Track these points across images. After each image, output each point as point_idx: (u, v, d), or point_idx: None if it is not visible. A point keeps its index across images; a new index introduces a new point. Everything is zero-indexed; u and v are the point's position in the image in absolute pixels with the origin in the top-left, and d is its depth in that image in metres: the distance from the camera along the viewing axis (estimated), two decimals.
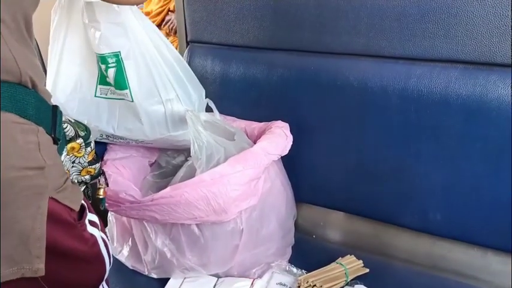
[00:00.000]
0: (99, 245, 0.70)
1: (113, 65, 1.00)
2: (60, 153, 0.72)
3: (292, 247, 1.17)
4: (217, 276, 1.06)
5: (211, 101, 1.13)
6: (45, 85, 0.70)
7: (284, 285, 1.03)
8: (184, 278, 1.06)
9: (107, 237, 0.74)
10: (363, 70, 1.08)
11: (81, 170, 0.81)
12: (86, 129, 0.79)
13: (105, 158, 1.09)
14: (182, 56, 1.34)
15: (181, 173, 1.07)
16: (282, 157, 1.09)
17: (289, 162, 1.16)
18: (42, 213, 0.58)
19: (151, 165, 1.24)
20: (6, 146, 0.55)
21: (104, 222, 1.14)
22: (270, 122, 1.16)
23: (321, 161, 1.20)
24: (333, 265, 1.06)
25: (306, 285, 0.99)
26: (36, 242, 0.57)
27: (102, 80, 1.05)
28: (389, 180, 1.11)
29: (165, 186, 0.98)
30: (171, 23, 2.45)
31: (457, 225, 1.07)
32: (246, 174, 0.97)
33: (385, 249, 1.18)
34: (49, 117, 0.65)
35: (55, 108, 0.67)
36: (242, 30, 1.22)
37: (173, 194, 0.94)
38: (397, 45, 1.04)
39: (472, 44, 0.97)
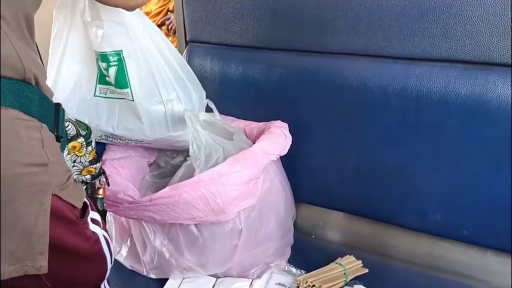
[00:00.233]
0: (101, 243, 0.70)
1: (115, 63, 1.00)
2: (62, 152, 0.72)
3: (291, 247, 1.16)
4: (216, 276, 1.05)
5: (211, 102, 1.13)
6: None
7: (283, 285, 1.03)
8: (183, 278, 1.05)
9: (109, 235, 0.75)
10: (362, 70, 1.08)
11: (82, 170, 0.81)
12: (87, 128, 0.79)
13: (103, 158, 1.09)
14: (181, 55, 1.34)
15: (180, 173, 1.07)
16: (281, 157, 1.09)
17: (288, 162, 1.16)
18: (46, 210, 0.58)
19: (150, 165, 1.23)
20: (10, 142, 0.56)
21: (103, 218, 1.15)
22: (269, 122, 1.16)
23: (320, 161, 1.20)
24: (332, 265, 1.06)
25: (305, 285, 0.99)
26: (40, 239, 0.57)
27: (102, 79, 1.04)
28: (389, 180, 1.11)
29: (164, 187, 0.97)
30: (171, 23, 2.45)
31: (456, 226, 1.07)
32: (244, 174, 0.96)
33: (385, 249, 1.17)
34: (52, 114, 0.65)
35: (57, 105, 0.67)
36: (241, 30, 1.22)
37: (172, 194, 0.93)
38: (396, 45, 1.03)
39: (471, 43, 0.96)
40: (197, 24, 1.29)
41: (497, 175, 0.99)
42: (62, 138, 0.69)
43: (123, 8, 0.76)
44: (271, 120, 1.16)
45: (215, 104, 1.14)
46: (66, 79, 1.03)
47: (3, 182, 0.54)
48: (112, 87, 1.04)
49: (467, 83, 0.98)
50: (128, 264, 1.11)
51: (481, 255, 1.08)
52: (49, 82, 1.00)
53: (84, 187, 0.85)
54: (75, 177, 0.81)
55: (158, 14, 2.48)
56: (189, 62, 1.32)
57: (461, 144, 1.00)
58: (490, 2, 0.92)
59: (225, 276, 1.05)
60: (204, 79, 1.28)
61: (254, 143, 1.06)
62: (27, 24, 0.63)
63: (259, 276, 1.05)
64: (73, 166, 0.79)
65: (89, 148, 0.79)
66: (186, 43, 1.35)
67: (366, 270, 1.07)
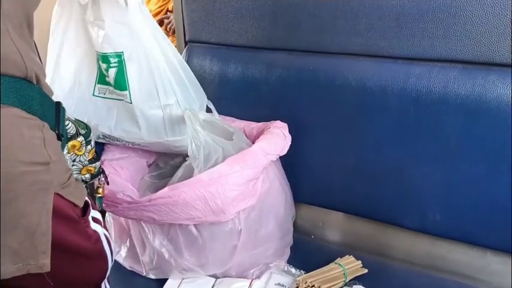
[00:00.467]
0: (102, 242, 0.70)
1: (115, 65, 1.00)
2: (61, 151, 0.72)
3: (290, 248, 1.16)
4: (216, 276, 1.05)
5: (210, 102, 1.13)
6: None
7: (283, 285, 1.03)
8: (182, 278, 1.05)
9: (109, 233, 0.75)
10: (361, 70, 1.08)
11: (82, 169, 0.81)
12: (86, 127, 0.79)
13: (102, 158, 1.09)
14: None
15: (179, 173, 1.07)
16: (280, 157, 1.09)
17: (288, 163, 1.16)
18: (48, 209, 0.58)
19: (149, 166, 1.23)
20: (12, 141, 0.56)
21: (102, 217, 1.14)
22: (268, 122, 1.16)
23: (319, 161, 1.20)
24: (331, 265, 1.06)
25: (304, 285, 0.99)
26: (42, 238, 0.57)
27: (101, 79, 1.04)
28: (388, 181, 1.11)
29: (163, 187, 0.97)
30: (170, 22, 2.44)
31: (456, 226, 1.07)
32: (244, 174, 0.96)
33: (384, 249, 1.17)
34: (53, 113, 0.65)
35: (58, 104, 0.67)
36: (240, 30, 1.22)
37: (171, 194, 0.93)
38: (396, 45, 1.03)
39: (471, 43, 0.96)
40: (196, 24, 1.29)
41: (497, 175, 0.98)
42: (63, 137, 0.69)
43: None
44: (271, 120, 1.16)
45: (214, 104, 1.14)
46: (65, 77, 1.03)
47: (6, 180, 0.54)
48: (111, 88, 1.04)
49: (467, 83, 0.97)
50: (127, 264, 1.11)
51: (480, 255, 1.08)
52: (47, 80, 1.00)
53: (84, 186, 0.85)
54: (74, 176, 0.81)
55: (157, 14, 2.48)
56: (188, 62, 1.31)
57: (461, 144, 1.00)
58: (489, 2, 0.92)
59: (225, 277, 1.05)
60: (203, 79, 1.28)
61: (254, 143, 1.05)
62: (27, 22, 0.64)
63: (258, 277, 1.05)
64: (72, 165, 0.79)
65: (88, 147, 0.79)
66: (185, 43, 1.35)
67: (366, 271, 1.07)
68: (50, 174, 0.59)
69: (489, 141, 0.98)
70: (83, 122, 0.79)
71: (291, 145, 1.09)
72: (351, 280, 1.04)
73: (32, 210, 0.57)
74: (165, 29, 2.48)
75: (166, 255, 1.02)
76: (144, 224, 1.02)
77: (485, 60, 0.96)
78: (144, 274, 1.08)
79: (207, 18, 1.26)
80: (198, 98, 1.11)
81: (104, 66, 1.00)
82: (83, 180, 0.83)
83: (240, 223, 1.00)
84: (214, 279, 1.05)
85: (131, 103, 1.02)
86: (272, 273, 1.06)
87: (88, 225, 0.68)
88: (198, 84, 1.13)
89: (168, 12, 2.46)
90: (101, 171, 0.86)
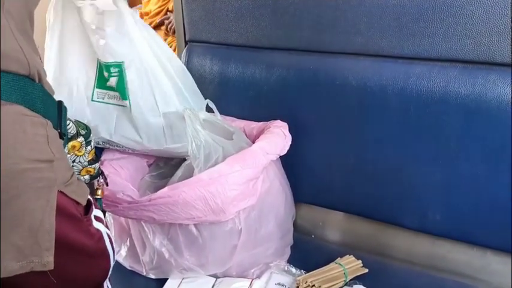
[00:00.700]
0: (104, 241, 0.70)
1: (115, 74, 1.00)
2: None
3: (291, 247, 1.16)
4: (216, 276, 1.05)
5: (211, 102, 1.13)
6: None
7: (283, 285, 1.03)
8: (183, 278, 1.05)
9: (111, 232, 0.75)
10: (361, 69, 1.08)
11: (81, 170, 0.81)
12: (86, 128, 0.79)
13: (102, 158, 1.09)
14: (180, 55, 1.34)
15: (179, 172, 1.07)
16: (280, 157, 1.09)
17: (288, 162, 1.16)
18: (52, 206, 0.58)
19: (149, 165, 1.23)
20: (16, 138, 0.56)
21: None
22: (268, 122, 1.16)
23: (320, 161, 1.20)
24: (331, 265, 1.06)
25: (304, 285, 0.99)
26: (46, 235, 0.57)
27: (100, 83, 1.04)
28: (389, 180, 1.11)
29: (163, 187, 0.97)
30: (170, 23, 2.44)
31: (456, 225, 1.07)
32: (244, 173, 0.96)
33: (384, 249, 1.17)
34: (55, 111, 0.66)
35: (60, 103, 0.67)
36: (241, 29, 1.22)
37: (171, 194, 0.93)
38: (396, 44, 1.03)
39: (471, 43, 0.96)
40: (196, 23, 1.29)
41: (497, 175, 0.98)
42: (65, 136, 0.69)
43: None
44: (271, 120, 1.16)
45: (215, 104, 1.14)
46: (63, 82, 1.03)
47: (9, 178, 0.54)
48: (110, 92, 1.04)
49: (467, 82, 0.97)
50: (127, 264, 1.11)
51: (481, 255, 1.08)
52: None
53: None
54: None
55: (157, 14, 2.48)
56: (188, 61, 1.31)
57: (461, 143, 1.00)
58: (490, 1, 0.92)
59: (225, 276, 1.05)
60: (203, 79, 1.28)
61: (254, 143, 1.05)
62: (30, 20, 0.64)
63: (258, 276, 1.05)
64: (72, 166, 0.79)
65: (88, 148, 0.80)
66: (186, 43, 1.35)
67: (366, 270, 1.07)
68: (54, 172, 0.59)
69: (489, 140, 0.98)
70: (83, 123, 0.79)
71: (291, 145, 1.09)
72: (351, 280, 1.04)
73: (36, 208, 0.57)
74: (166, 29, 2.48)
75: (167, 255, 1.02)
76: (144, 224, 1.02)
77: (485, 60, 0.96)
78: (144, 274, 1.08)
79: (207, 18, 1.26)
80: (197, 104, 1.11)
81: (105, 74, 1.01)
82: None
83: (240, 223, 1.00)
84: (215, 278, 1.05)
85: (131, 112, 1.02)
86: (272, 272, 1.06)
87: (91, 224, 0.68)
88: (197, 90, 1.13)
89: (168, 12, 2.46)
90: (100, 173, 0.86)
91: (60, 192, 0.60)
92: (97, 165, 0.84)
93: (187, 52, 1.33)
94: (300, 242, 1.19)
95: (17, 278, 0.57)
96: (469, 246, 1.09)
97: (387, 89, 1.05)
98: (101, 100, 1.05)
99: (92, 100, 1.05)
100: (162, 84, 1.04)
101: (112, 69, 1.00)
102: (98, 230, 0.69)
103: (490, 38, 0.94)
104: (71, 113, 1.01)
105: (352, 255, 1.09)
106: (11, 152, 0.54)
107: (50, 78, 1.01)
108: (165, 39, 2.44)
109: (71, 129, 0.75)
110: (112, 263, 0.73)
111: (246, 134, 1.17)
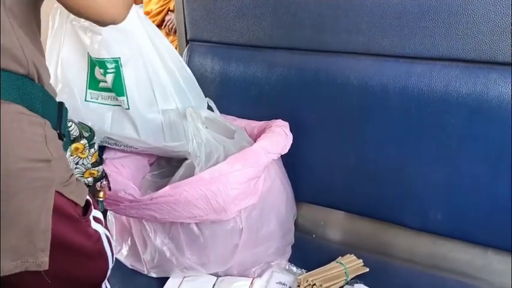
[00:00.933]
0: (102, 242, 0.70)
1: (112, 70, 1.00)
2: (64, 153, 0.72)
3: (292, 246, 1.16)
4: (217, 275, 1.05)
5: (211, 101, 1.13)
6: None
7: (284, 284, 1.03)
8: (184, 277, 1.05)
9: (110, 233, 0.74)
10: (363, 69, 1.08)
11: (85, 172, 0.80)
12: (90, 130, 0.79)
13: (104, 157, 1.09)
14: (181, 55, 1.34)
15: (180, 171, 1.07)
16: (281, 156, 1.09)
17: (289, 161, 1.16)
18: (48, 207, 0.58)
19: (151, 164, 1.23)
20: (13, 137, 0.56)
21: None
22: (270, 121, 1.16)
23: (321, 160, 1.20)
24: (332, 264, 1.06)
25: (305, 284, 0.99)
26: (41, 235, 0.57)
27: (92, 84, 1.04)
28: (390, 179, 1.11)
29: (164, 186, 0.97)
30: (171, 22, 2.45)
31: (457, 225, 1.07)
32: (245, 173, 0.96)
33: (385, 248, 1.17)
34: (55, 112, 0.65)
35: (61, 104, 0.67)
36: (242, 28, 1.22)
37: (172, 193, 0.93)
38: (398, 43, 1.03)
39: (472, 42, 0.96)
40: (198, 23, 1.29)
41: (498, 174, 0.98)
42: (65, 137, 0.69)
43: (95, 22, 0.71)
44: (272, 119, 1.16)
45: (216, 103, 1.14)
46: (57, 82, 1.02)
47: (6, 177, 0.54)
48: (104, 93, 1.03)
49: (469, 81, 0.97)
50: (128, 263, 1.11)
51: (482, 254, 1.08)
52: None
53: (87, 189, 0.84)
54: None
55: (159, 13, 2.48)
56: (189, 60, 1.32)
57: (463, 143, 1.00)
58: (491, 1, 0.92)
59: (226, 275, 1.05)
60: (204, 78, 1.28)
61: (255, 142, 1.05)
62: (36, 19, 0.64)
63: (260, 275, 1.05)
64: (75, 168, 0.79)
65: (92, 150, 0.79)
66: (187, 42, 1.35)
67: (367, 269, 1.07)
68: (52, 172, 0.59)
69: (490, 140, 0.98)
70: (87, 125, 0.79)
71: (292, 144, 1.09)
72: (352, 279, 1.04)
73: (32, 207, 0.56)
74: (167, 29, 2.48)
75: (168, 254, 1.02)
76: (145, 223, 1.02)
77: (486, 59, 0.96)
78: (146, 272, 1.08)
79: (208, 17, 1.26)
80: (197, 102, 1.11)
81: (101, 71, 1.00)
82: (85, 184, 0.82)
83: (241, 222, 1.01)
84: (216, 277, 1.05)
85: (129, 108, 1.02)
86: (273, 271, 1.06)
87: (89, 225, 0.67)
88: (198, 87, 1.12)
89: (169, 12, 2.46)
90: (104, 175, 0.85)
91: (58, 192, 0.60)
92: (101, 167, 0.83)
93: (188, 51, 1.34)
94: (301, 241, 1.19)
95: (12, 277, 0.57)
96: (470, 246, 1.09)
97: (388, 88, 1.05)
98: (95, 100, 1.05)
99: (85, 101, 1.05)
100: (162, 80, 1.04)
101: (108, 65, 0.99)
102: (96, 231, 0.68)
103: (491, 37, 0.94)
104: None
105: (353, 255, 1.09)
106: (7, 151, 0.54)
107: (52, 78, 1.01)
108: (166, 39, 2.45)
109: (74, 131, 0.75)
110: (110, 265, 0.72)
111: (247, 133, 1.17)
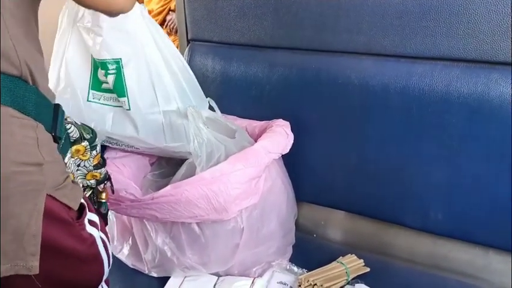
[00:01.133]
0: (97, 245, 0.68)
1: (113, 71, 1.00)
2: (64, 155, 0.71)
3: (293, 246, 1.16)
4: (218, 275, 1.05)
5: (212, 101, 1.13)
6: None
7: (285, 284, 1.03)
8: (185, 276, 1.05)
9: (107, 237, 0.73)
10: (364, 68, 1.08)
11: (86, 174, 0.80)
12: (92, 132, 0.78)
13: (105, 156, 1.09)
14: (183, 54, 1.34)
15: (181, 171, 1.07)
16: (282, 156, 1.09)
17: (290, 161, 1.16)
18: (39, 210, 0.57)
19: (151, 164, 1.23)
20: (3, 140, 0.55)
21: (105, 221, 1.14)
22: (271, 121, 1.16)
23: (322, 160, 1.20)
24: (333, 264, 1.06)
25: (306, 284, 0.99)
26: (31, 239, 0.56)
27: (95, 85, 1.04)
28: (391, 179, 1.11)
29: (165, 186, 0.97)
30: (172, 22, 2.45)
31: (458, 225, 1.07)
32: (246, 172, 0.96)
33: (386, 248, 1.17)
34: (50, 114, 0.64)
35: (57, 106, 0.66)
36: (243, 28, 1.22)
37: (173, 193, 0.93)
38: (399, 43, 1.03)
39: (473, 42, 0.96)
40: (199, 22, 1.29)
41: (499, 174, 0.98)
42: (61, 140, 0.67)
43: (104, 13, 0.69)
44: (273, 118, 1.16)
45: (217, 103, 1.14)
46: (63, 82, 1.03)
47: None
48: (106, 94, 1.03)
49: (470, 81, 0.97)
50: (129, 262, 1.11)
51: (482, 254, 1.08)
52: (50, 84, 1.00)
53: (90, 192, 0.84)
54: (79, 181, 0.80)
55: (160, 13, 2.48)
56: (190, 60, 1.32)
57: (463, 142, 1.00)
58: (492, 0, 0.92)
59: (227, 275, 1.05)
60: (205, 78, 1.28)
61: (256, 142, 1.05)
62: (34, 17, 0.63)
63: (260, 275, 1.05)
64: (77, 170, 0.78)
65: (94, 152, 0.78)
66: (188, 42, 1.35)
67: (368, 269, 1.07)
68: (43, 175, 0.58)
69: (491, 139, 0.98)
70: (89, 127, 0.78)
71: (293, 144, 1.09)
72: (353, 279, 1.04)
73: (22, 211, 0.56)
74: (168, 28, 2.48)
75: (169, 253, 1.02)
76: (146, 222, 1.02)
77: (487, 59, 0.96)
78: (147, 272, 1.08)
79: (209, 17, 1.26)
80: (198, 103, 1.10)
81: (102, 72, 1.00)
82: (88, 186, 0.82)
83: (242, 221, 1.01)
84: (217, 277, 1.05)
85: (130, 109, 1.02)
86: (274, 271, 1.06)
87: (83, 228, 0.66)
88: (199, 88, 1.12)
89: (170, 12, 2.46)
90: (108, 178, 0.85)
91: (50, 196, 0.59)
92: (103, 170, 0.82)
93: (189, 51, 1.34)
94: (302, 241, 1.19)
95: (3, 280, 0.56)
96: (470, 246, 1.09)
97: (389, 88, 1.05)
98: (97, 101, 1.05)
99: (88, 101, 1.05)
100: (164, 81, 1.04)
101: (109, 66, 0.99)
102: (91, 235, 0.67)
103: (492, 37, 0.94)
104: (67, 113, 1.02)
105: (354, 254, 1.09)
106: None
107: (54, 78, 1.01)
108: None
109: (73, 133, 0.74)
110: (106, 268, 0.71)
111: (248, 133, 1.17)
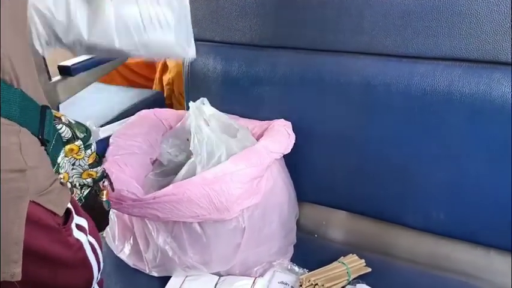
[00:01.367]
0: (85, 250, 0.67)
1: None
2: (57, 155, 0.71)
3: (294, 246, 1.16)
4: (219, 274, 1.05)
5: (206, 100, 1.11)
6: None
7: (286, 284, 1.03)
8: (186, 276, 1.05)
9: (98, 239, 0.72)
10: (366, 68, 1.08)
11: (82, 173, 0.79)
12: (87, 130, 0.77)
13: (106, 155, 1.08)
14: None
15: (183, 171, 1.07)
16: (284, 156, 1.09)
17: (291, 161, 1.16)
18: (21, 217, 0.56)
19: (152, 163, 1.23)
20: None
21: (106, 220, 1.14)
22: (272, 121, 1.16)
23: (323, 160, 1.20)
24: (335, 264, 1.06)
25: (307, 284, 0.99)
26: (14, 246, 0.55)
27: None
28: (392, 179, 1.11)
29: (167, 185, 0.97)
30: None
31: (460, 225, 1.07)
32: (248, 172, 0.96)
33: (388, 248, 1.17)
34: (36, 117, 0.62)
35: (44, 108, 0.64)
36: (244, 28, 1.22)
37: (175, 192, 0.93)
38: (401, 43, 1.03)
39: (475, 42, 0.96)
40: (201, 22, 1.29)
41: (501, 174, 0.98)
42: (49, 142, 0.66)
43: None
44: (275, 118, 1.16)
45: (218, 103, 1.14)
46: None
47: None
48: None
49: (472, 81, 0.97)
50: (130, 262, 1.11)
51: (484, 254, 1.08)
52: None
53: (88, 189, 0.83)
54: (75, 180, 0.79)
55: None
56: (192, 60, 1.32)
57: (466, 143, 1.00)
58: (494, 0, 0.92)
59: (228, 275, 1.05)
60: (207, 77, 1.28)
61: (258, 142, 1.05)
62: (25, 19, 0.62)
63: (262, 275, 1.05)
64: (72, 169, 0.77)
65: (88, 151, 0.78)
66: None
67: (369, 269, 1.07)
68: (26, 182, 0.57)
69: (493, 139, 0.98)
70: (84, 125, 0.77)
71: (294, 143, 1.09)
72: (354, 279, 1.04)
73: (4, 219, 0.54)
74: None
75: (170, 253, 1.02)
76: (148, 222, 1.02)
77: (490, 59, 0.96)
78: (148, 272, 1.08)
79: (211, 17, 1.26)
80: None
81: None
82: (85, 184, 0.81)
83: (243, 221, 1.00)
84: (218, 277, 1.05)
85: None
86: (275, 271, 1.06)
87: (70, 234, 0.65)
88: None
89: None
90: (105, 176, 0.84)
91: (34, 202, 0.58)
92: (99, 168, 0.82)
93: None
94: (303, 241, 1.19)
95: None
96: (472, 246, 1.09)
97: (391, 88, 1.05)
98: None
99: None
100: None
101: None
102: (78, 240, 0.66)
103: (495, 37, 0.94)
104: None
105: (355, 254, 1.09)
106: None
107: None
108: None
109: (65, 133, 0.73)
110: (96, 273, 0.70)
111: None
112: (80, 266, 0.67)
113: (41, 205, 0.59)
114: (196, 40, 1.33)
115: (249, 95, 1.24)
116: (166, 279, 1.06)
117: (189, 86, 1.34)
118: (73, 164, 0.77)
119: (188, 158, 1.09)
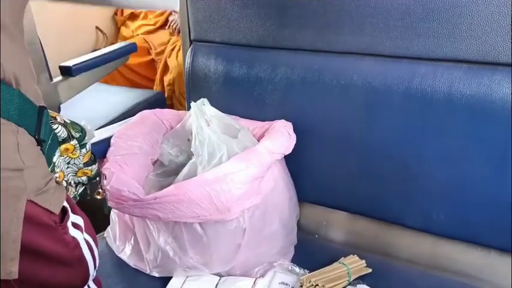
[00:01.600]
0: (81, 248, 0.68)
1: None
2: (53, 155, 0.71)
3: (294, 247, 1.16)
4: (220, 275, 1.05)
5: (206, 100, 1.12)
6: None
7: (286, 284, 1.03)
8: (187, 276, 1.05)
9: (94, 237, 0.73)
10: (366, 69, 1.08)
11: (77, 171, 0.80)
12: (82, 130, 0.78)
13: (107, 155, 1.09)
14: (185, 55, 1.35)
15: (184, 171, 1.07)
16: (284, 156, 1.09)
17: (292, 162, 1.16)
18: (19, 216, 0.57)
19: (153, 163, 1.23)
20: None
21: (107, 220, 1.14)
22: (273, 121, 1.16)
23: (324, 161, 1.20)
24: (335, 265, 1.06)
25: (308, 284, 0.99)
26: (11, 245, 0.56)
27: None
28: (393, 180, 1.11)
29: (168, 186, 0.97)
30: (175, 23, 2.45)
31: (460, 225, 1.07)
32: (249, 172, 0.96)
33: (388, 249, 1.17)
34: (34, 118, 0.63)
35: (42, 108, 0.65)
36: (245, 29, 1.22)
37: (176, 192, 0.93)
38: (401, 44, 1.03)
39: (476, 43, 0.96)
40: (201, 23, 1.29)
41: (501, 175, 0.98)
42: (45, 142, 0.67)
43: None
44: (276, 119, 1.16)
45: (219, 103, 1.14)
46: None
47: None
48: None
49: (472, 82, 0.97)
50: (131, 262, 1.11)
51: (484, 255, 1.08)
52: None
53: (83, 188, 0.84)
54: (70, 178, 0.80)
55: (162, 13, 2.49)
56: (193, 61, 1.32)
57: (466, 144, 1.00)
58: (495, 1, 0.92)
59: (229, 275, 1.05)
60: (208, 78, 1.28)
61: (258, 142, 1.05)
62: (21, 20, 0.62)
63: (262, 276, 1.05)
64: (67, 168, 0.78)
65: (83, 150, 0.78)
66: (190, 42, 1.35)
67: (370, 270, 1.07)
68: (23, 181, 0.58)
69: (494, 141, 0.98)
70: (79, 125, 0.78)
71: (295, 144, 1.10)
72: (354, 279, 1.04)
73: (2, 217, 0.55)
74: (170, 29, 2.49)
75: (171, 253, 1.02)
76: (148, 222, 1.03)
77: (490, 60, 0.96)
78: (148, 272, 1.08)
79: (212, 18, 1.27)
80: None
81: None
82: (80, 182, 0.82)
83: (244, 222, 1.01)
84: (218, 277, 1.05)
85: None
86: (276, 272, 1.06)
87: (66, 232, 0.65)
88: None
89: (172, 12, 2.47)
90: (99, 174, 0.84)
91: (31, 201, 0.59)
92: (94, 167, 0.83)
93: (192, 51, 1.34)
94: (304, 242, 1.19)
95: None
96: (472, 247, 1.09)
97: (392, 89, 1.05)
98: None
99: None
100: None
101: None
102: (74, 238, 0.67)
103: (495, 38, 0.94)
104: None
105: (355, 255, 1.09)
106: None
107: None
108: (170, 39, 2.45)
109: (61, 132, 0.74)
110: (92, 271, 0.71)
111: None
112: (76, 263, 0.68)
113: (37, 204, 0.60)
114: (197, 41, 1.35)
115: (250, 95, 1.24)
116: (167, 279, 1.06)
117: (190, 87, 1.34)
118: (68, 163, 0.78)
119: (189, 158, 1.10)
